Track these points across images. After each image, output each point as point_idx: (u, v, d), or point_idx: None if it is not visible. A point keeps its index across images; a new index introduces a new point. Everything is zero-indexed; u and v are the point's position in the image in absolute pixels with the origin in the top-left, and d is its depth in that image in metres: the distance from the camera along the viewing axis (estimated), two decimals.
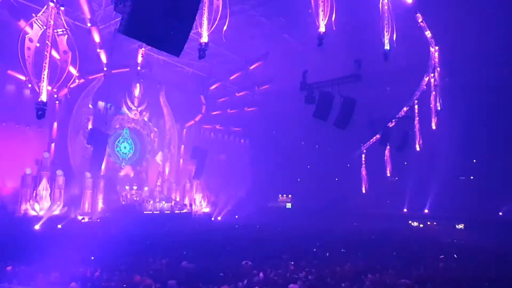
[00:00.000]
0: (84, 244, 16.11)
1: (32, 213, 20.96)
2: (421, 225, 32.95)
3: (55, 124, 23.99)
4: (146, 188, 29.66)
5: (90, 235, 20.03)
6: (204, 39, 13.66)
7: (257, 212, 34.27)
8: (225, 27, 16.35)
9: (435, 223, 32.66)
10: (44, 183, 21.79)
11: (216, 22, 14.78)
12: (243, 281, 10.45)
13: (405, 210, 34.25)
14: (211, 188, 34.46)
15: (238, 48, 26.39)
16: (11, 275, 10.35)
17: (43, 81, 11.26)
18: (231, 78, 29.98)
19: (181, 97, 31.50)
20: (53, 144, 24.13)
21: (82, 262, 12.19)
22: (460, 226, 30.97)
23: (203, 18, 13.74)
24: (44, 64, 11.05)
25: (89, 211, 24.02)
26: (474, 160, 34.21)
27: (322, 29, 14.79)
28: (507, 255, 15.59)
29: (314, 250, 16.95)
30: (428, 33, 22.96)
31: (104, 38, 21.26)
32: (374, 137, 32.64)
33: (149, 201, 27.61)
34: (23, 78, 14.53)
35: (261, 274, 11.16)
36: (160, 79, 29.79)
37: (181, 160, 33.04)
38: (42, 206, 21.38)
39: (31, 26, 13.76)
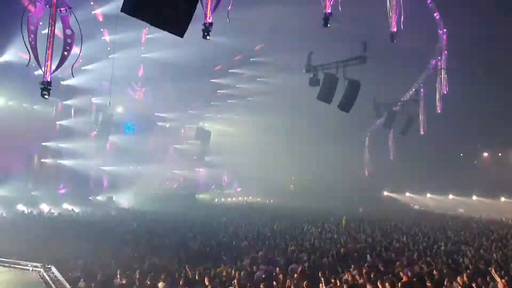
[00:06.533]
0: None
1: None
2: (423, 208, 33.24)
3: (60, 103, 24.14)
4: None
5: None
6: (209, 19, 13.46)
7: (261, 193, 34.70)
8: (229, 7, 16.08)
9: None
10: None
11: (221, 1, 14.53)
12: (245, 260, 10.68)
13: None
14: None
15: (243, 29, 26.01)
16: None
17: (47, 60, 11.25)
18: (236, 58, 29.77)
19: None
20: (58, 123, 24.38)
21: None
22: (461, 210, 31.19)
23: None
24: (48, 43, 10.99)
25: None
26: (479, 145, 34.13)
27: (328, 9, 14.52)
28: None
29: (319, 231, 17.17)
30: (436, 15, 22.53)
31: (108, 17, 21.09)
32: (378, 120, 32.49)
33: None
34: (27, 57, 14.49)
35: (261, 253, 11.37)
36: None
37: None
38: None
39: (34, 5, 13.62)
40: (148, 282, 8.16)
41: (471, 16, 23.21)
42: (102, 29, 23.72)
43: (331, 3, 14.21)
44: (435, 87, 26.96)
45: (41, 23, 11.15)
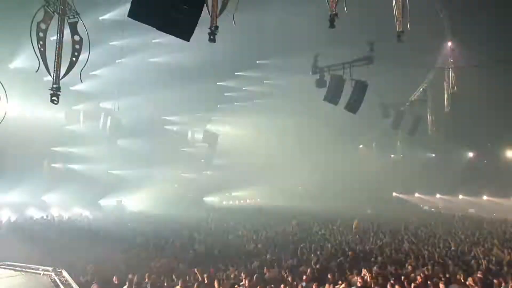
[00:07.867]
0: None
1: None
2: (433, 209, 32.93)
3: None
4: None
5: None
6: (215, 22, 13.48)
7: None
8: (235, 10, 16.11)
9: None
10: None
11: (226, 5, 14.54)
12: (254, 262, 10.68)
13: None
14: None
15: (249, 31, 26.04)
16: None
17: (56, 67, 11.39)
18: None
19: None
20: (67, 127, 24.69)
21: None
22: (471, 210, 30.80)
23: (213, 1, 13.51)
24: (56, 50, 11.13)
25: None
26: (489, 144, 33.72)
27: (334, 10, 14.45)
28: None
29: (328, 232, 17.10)
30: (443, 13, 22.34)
31: (115, 23, 21.27)
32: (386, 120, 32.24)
33: None
34: (37, 64, 14.68)
35: (269, 256, 11.35)
36: None
37: None
38: None
39: (42, 12, 13.79)
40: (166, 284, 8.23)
41: (478, 14, 22.94)
42: (109, 35, 23.92)
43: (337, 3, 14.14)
44: (443, 86, 26.67)
45: (49, 30, 11.27)
